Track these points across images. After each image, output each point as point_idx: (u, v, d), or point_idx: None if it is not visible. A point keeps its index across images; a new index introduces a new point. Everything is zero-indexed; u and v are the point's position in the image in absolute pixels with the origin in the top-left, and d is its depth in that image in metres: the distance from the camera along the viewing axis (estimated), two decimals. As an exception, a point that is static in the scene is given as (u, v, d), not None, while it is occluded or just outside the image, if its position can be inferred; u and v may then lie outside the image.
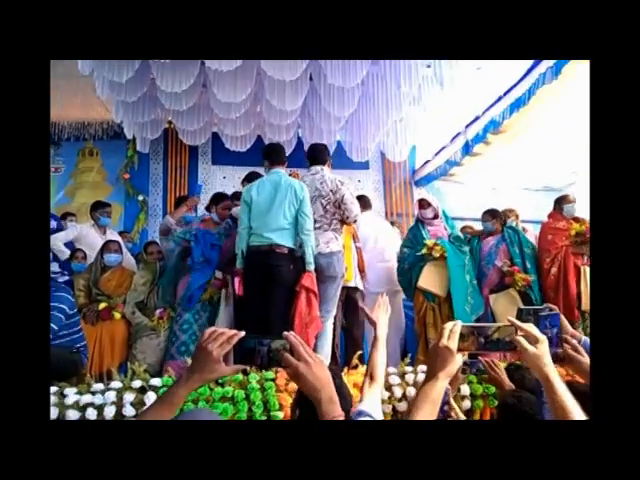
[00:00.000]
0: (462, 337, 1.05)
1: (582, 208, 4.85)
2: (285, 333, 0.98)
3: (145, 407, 1.33)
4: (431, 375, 1.03)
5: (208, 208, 3.77)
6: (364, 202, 4.11)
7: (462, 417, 2.11)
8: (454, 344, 1.03)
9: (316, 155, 3.42)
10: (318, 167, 3.33)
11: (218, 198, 3.69)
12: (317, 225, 3.17)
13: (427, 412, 0.99)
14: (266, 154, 3.33)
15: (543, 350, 1.01)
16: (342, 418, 0.96)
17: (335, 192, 3.19)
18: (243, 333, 0.99)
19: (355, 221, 3.26)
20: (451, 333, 1.04)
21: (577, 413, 0.97)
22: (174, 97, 4.30)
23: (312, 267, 3.02)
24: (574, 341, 1.03)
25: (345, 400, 1.65)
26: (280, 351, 0.96)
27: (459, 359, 1.04)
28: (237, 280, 3.06)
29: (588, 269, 3.47)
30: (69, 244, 4.02)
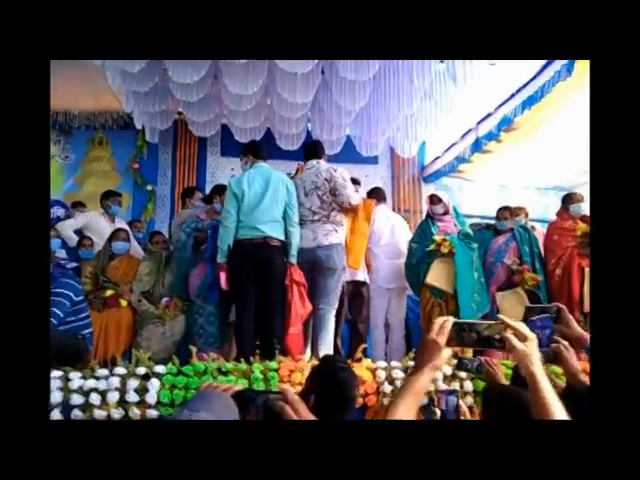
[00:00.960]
0: (454, 333, 1.05)
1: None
2: (283, 388, 1.04)
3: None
4: (418, 368, 1.05)
5: (210, 199, 3.76)
6: (379, 194, 4.11)
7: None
8: (443, 339, 1.04)
9: (311, 150, 3.46)
10: (314, 161, 3.35)
11: (220, 189, 3.69)
12: (316, 217, 3.18)
13: (410, 403, 1.01)
14: (248, 149, 3.37)
15: (532, 348, 1.01)
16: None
17: (330, 180, 3.20)
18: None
19: (351, 205, 3.23)
20: (441, 328, 1.05)
21: (560, 414, 0.96)
22: (185, 88, 4.28)
23: (294, 260, 3.06)
24: (564, 342, 1.03)
25: (345, 396, 1.66)
26: (278, 403, 0.95)
27: (446, 354, 1.05)
28: (223, 275, 3.04)
29: None
30: (77, 231, 4.04)
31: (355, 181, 3.62)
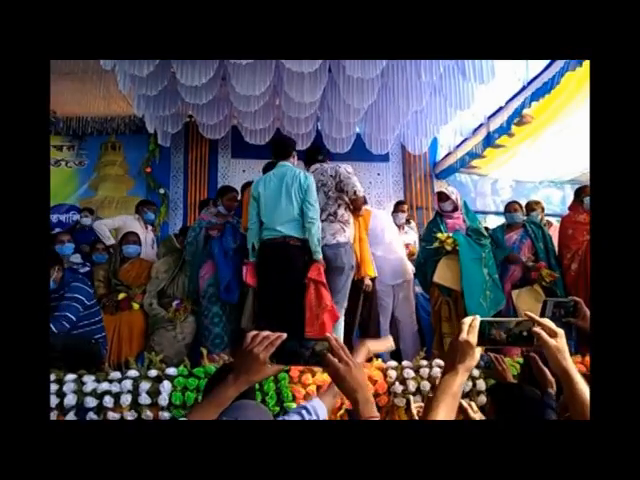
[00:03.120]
0: (482, 331, 1.05)
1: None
2: (327, 335, 1.03)
3: (192, 409, 1.39)
4: (450, 369, 1.04)
5: (214, 201, 3.79)
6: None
7: (476, 417, 2.08)
8: (474, 338, 1.03)
9: (311, 156, 3.50)
10: (317, 164, 3.39)
11: (224, 190, 3.73)
12: (323, 217, 3.19)
13: (448, 406, 0.99)
14: (272, 147, 3.41)
15: (562, 343, 1.01)
16: (378, 418, 0.99)
17: (335, 176, 3.23)
18: (285, 335, 1.03)
19: (356, 195, 3.21)
20: (470, 328, 1.05)
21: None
22: (194, 91, 4.31)
23: (319, 256, 3.03)
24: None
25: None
26: (323, 352, 1.00)
27: (478, 354, 1.04)
28: (245, 270, 3.10)
29: None
30: (90, 235, 4.11)
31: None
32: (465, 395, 2.32)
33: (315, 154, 3.51)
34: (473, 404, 2.01)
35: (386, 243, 3.80)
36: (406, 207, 4.77)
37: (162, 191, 5.83)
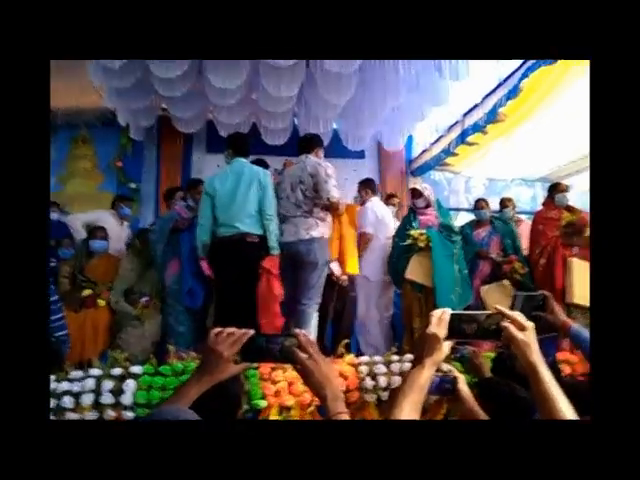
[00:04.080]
0: (452, 325, 1.03)
1: (578, 198, 4.79)
2: (296, 331, 1.00)
3: (154, 409, 1.36)
4: (418, 362, 1.02)
5: (184, 195, 3.71)
6: (371, 186, 4.10)
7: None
8: (442, 331, 1.02)
9: (302, 144, 3.42)
10: (303, 156, 3.32)
11: (195, 183, 3.66)
12: (299, 213, 3.15)
13: (414, 399, 0.98)
14: (230, 143, 3.33)
15: (531, 337, 1.00)
16: (346, 416, 0.96)
17: (314, 175, 3.16)
18: (252, 332, 1.00)
19: (330, 201, 3.14)
20: (440, 320, 1.03)
21: (564, 405, 0.94)
22: (168, 83, 4.21)
23: (276, 252, 3.03)
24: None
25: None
26: (291, 349, 0.98)
27: (446, 347, 1.03)
28: (204, 264, 3.09)
29: (576, 261, 3.39)
30: (56, 230, 3.98)
31: None
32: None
33: (306, 143, 3.42)
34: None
35: (377, 238, 3.81)
36: (397, 200, 4.76)
37: (133, 186, 5.69)
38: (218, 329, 1.01)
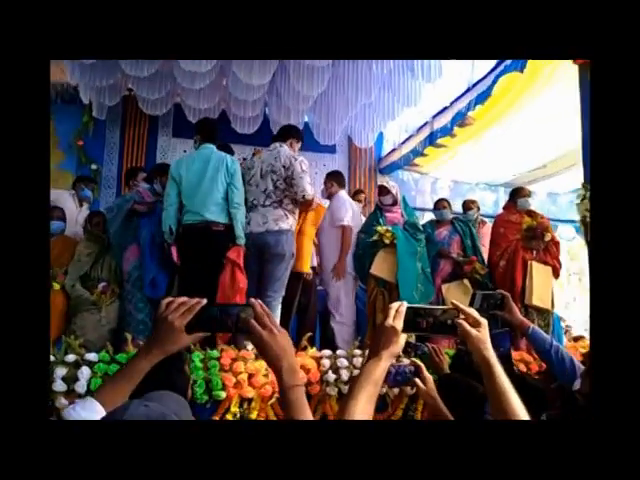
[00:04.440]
0: (408, 318, 1.04)
1: (539, 203, 4.96)
2: (252, 301, 0.95)
3: (102, 384, 1.31)
4: (374, 355, 1.02)
5: (151, 179, 3.58)
6: (339, 179, 4.05)
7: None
8: (399, 324, 1.02)
9: (279, 132, 3.38)
10: (277, 143, 3.26)
11: (160, 168, 3.54)
12: (267, 202, 3.11)
13: (370, 392, 0.97)
14: (198, 128, 3.26)
15: (485, 334, 1.02)
16: (302, 389, 0.93)
17: (287, 168, 3.11)
18: (205, 301, 0.95)
19: (305, 198, 3.12)
20: (397, 313, 1.03)
21: (514, 399, 0.96)
22: (135, 62, 4.05)
23: (242, 241, 2.98)
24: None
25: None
26: (246, 319, 0.93)
27: (403, 340, 1.03)
28: (174, 250, 3.01)
29: (535, 264, 3.52)
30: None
31: None
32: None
33: (286, 132, 3.37)
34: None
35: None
36: (363, 196, 4.77)
37: (94, 167, 5.45)
38: (169, 299, 0.97)
